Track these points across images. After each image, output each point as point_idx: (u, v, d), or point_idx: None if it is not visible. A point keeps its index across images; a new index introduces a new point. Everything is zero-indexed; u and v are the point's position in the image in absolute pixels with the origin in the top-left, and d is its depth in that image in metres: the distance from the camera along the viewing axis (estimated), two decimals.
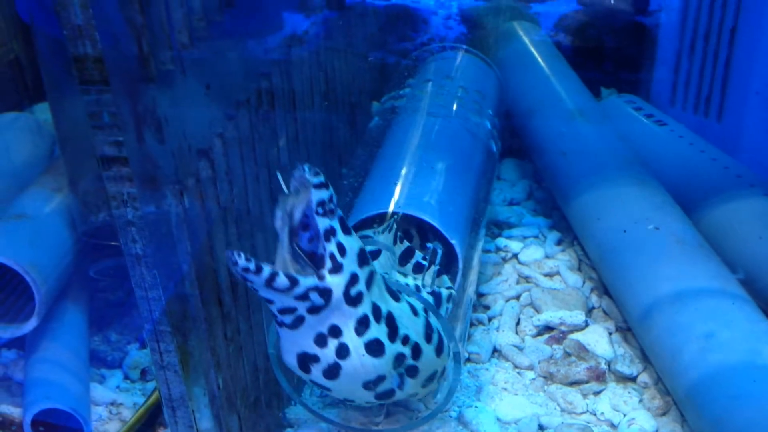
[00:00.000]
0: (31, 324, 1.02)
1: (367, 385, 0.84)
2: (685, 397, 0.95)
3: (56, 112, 1.14)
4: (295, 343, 0.81)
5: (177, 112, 0.70)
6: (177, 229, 0.71)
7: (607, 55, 1.85)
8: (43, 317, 1.03)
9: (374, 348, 0.81)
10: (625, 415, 1.01)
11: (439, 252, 1.02)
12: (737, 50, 1.47)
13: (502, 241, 1.37)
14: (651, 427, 0.98)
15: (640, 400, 1.03)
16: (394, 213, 1.03)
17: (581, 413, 1.02)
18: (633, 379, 1.07)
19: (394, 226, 1.01)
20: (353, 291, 0.78)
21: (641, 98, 1.64)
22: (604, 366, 1.08)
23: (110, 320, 1.19)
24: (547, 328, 1.16)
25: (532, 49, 1.69)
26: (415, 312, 0.88)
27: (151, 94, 0.66)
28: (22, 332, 1.02)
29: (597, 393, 1.05)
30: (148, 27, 0.64)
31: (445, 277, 1.02)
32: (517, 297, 1.24)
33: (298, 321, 0.78)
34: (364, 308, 0.80)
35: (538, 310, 1.20)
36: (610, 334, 1.14)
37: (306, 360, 0.81)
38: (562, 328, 1.15)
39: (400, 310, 0.85)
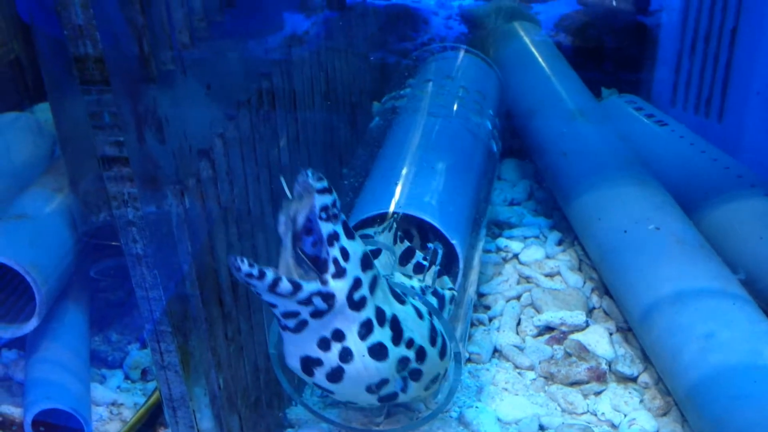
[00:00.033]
0: (32, 324, 1.02)
1: (370, 389, 0.84)
2: (686, 397, 0.95)
3: (57, 112, 1.14)
4: (298, 346, 0.81)
5: (178, 112, 0.70)
6: (178, 229, 0.71)
7: (607, 55, 1.85)
8: (43, 317, 1.03)
9: (377, 352, 0.81)
10: (625, 416, 1.01)
11: (440, 252, 1.02)
12: (738, 51, 1.47)
13: (502, 242, 1.37)
14: (652, 428, 0.98)
15: (641, 401, 1.03)
16: (394, 213, 1.03)
17: (582, 413, 1.02)
18: (634, 379, 1.07)
19: (394, 225, 1.01)
20: (356, 295, 0.78)
21: (642, 98, 1.64)
22: (604, 366, 1.08)
23: (111, 320, 1.19)
24: (548, 328, 1.16)
25: (533, 49, 1.69)
26: (420, 315, 0.88)
27: (151, 94, 0.66)
28: (22, 332, 1.02)
29: (598, 393, 1.05)
30: (148, 27, 0.64)
31: (446, 278, 1.02)
32: (518, 297, 1.24)
33: (302, 325, 0.79)
34: (368, 312, 0.80)
35: (538, 311, 1.20)
36: (611, 334, 1.14)
37: (309, 364, 0.81)
38: (563, 328, 1.15)
39: (405, 313, 0.85)
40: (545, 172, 1.47)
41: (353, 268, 0.78)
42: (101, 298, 1.23)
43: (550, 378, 1.08)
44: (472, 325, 1.17)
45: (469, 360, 1.11)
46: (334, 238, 0.76)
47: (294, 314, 0.77)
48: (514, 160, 1.65)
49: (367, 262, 0.80)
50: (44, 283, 1.01)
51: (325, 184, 0.76)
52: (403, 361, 0.84)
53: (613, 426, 1.00)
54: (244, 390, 0.89)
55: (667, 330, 1.01)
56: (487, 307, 1.22)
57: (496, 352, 1.13)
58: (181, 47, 0.72)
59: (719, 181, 1.30)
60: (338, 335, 0.80)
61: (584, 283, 1.26)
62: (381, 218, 1.02)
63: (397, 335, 0.83)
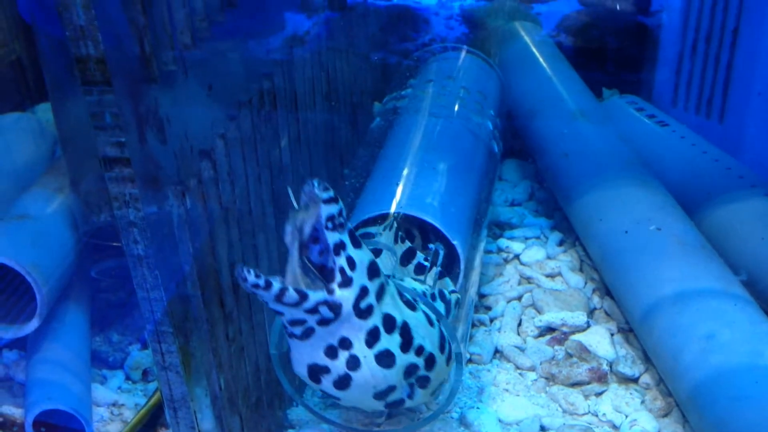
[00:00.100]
0: (33, 325, 1.02)
1: (378, 395, 0.85)
2: (687, 398, 0.95)
3: (58, 113, 1.14)
4: (305, 354, 0.81)
5: (179, 112, 0.70)
6: (179, 230, 0.71)
7: (608, 56, 1.84)
8: (44, 318, 1.03)
9: (385, 359, 0.82)
10: (626, 417, 1.00)
11: (441, 253, 1.02)
12: (739, 51, 1.47)
13: (503, 242, 1.37)
14: (653, 429, 0.98)
15: (642, 401, 1.03)
16: (395, 213, 1.03)
17: (583, 414, 1.02)
18: (635, 380, 1.07)
19: (395, 225, 1.01)
20: (363, 304, 0.79)
21: (643, 99, 1.64)
22: (605, 367, 1.08)
23: (112, 321, 1.19)
24: (549, 329, 1.16)
25: (534, 50, 1.69)
26: (431, 322, 0.88)
27: (153, 94, 0.66)
28: (23, 333, 1.02)
29: (599, 394, 1.05)
30: (150, 27, 0.64)
31: (447, 280, 1.02)
32: (519, 298, 1.24)
33: (308, 333, 0.79)
34: (375, 320, 0.80)
35: (539, 311, 1.20)
36: (612, 335, 1.14)
37: (316, 371, 0.82)
38: (564, 329, 1.15)
39: (416, 320, 0.86)
40: (546, 172, 1.47)
41: (360, 277, 0.78)
42: (102, 298, 1.23)
43: (551, 379, 1.08)
44: (473, 325, 1.17)
45: (470, 361, 1.11)
46: (340, 247, 0.77)
47: (301, 322, 0.78)
48: (515, 160, 1.65)
49: (374, 271, 0.80)
50: (45, 284, 1.01)
51: (331, 193, 0.76)
52: (411, 368, 0.85)
53: (615, 427, 1.00)
54: (245, 390, 0.89)
55: (668, 331, 1.01)
56: (488, 308, 1.22)
57: (497, 352, 1.13)
58: (182, 48, 0.72)
59: (720, 181, 1.30)
60: (345, 343, 0.80)
61: (585, 283, 1.26)
62: (382, 218, 1.02)
63: (407, 342, 0.83)
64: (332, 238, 0.76)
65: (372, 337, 0.80)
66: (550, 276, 1.29)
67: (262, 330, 0.93)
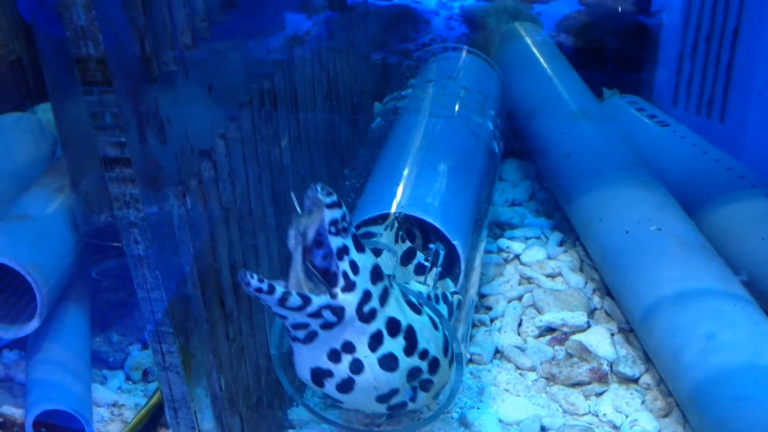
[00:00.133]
0: (33, 325, 1.02)
1: (380, 399, 0.85)
2: (687, 398, 0.95)
3: (58, 113, 1.14)
4: (308, 357, 0.81)
5: (179, 112, 0.70)
6: (179, 230, 0.71)
7: (609, 56, 1.84)
8: (44, 318, 1.03)
9: (388, 363, 0.82)
10: (627, 417, 1.00)
11: (441, 253, 1.02)
12: (739, 51, 1.47)
13: (504, 242, 1.37)
14: (653, 429, 0.98)
15: (643, 402, 1.03)
16: (395, 212, 1.03)
17: (583, 414, 1.02)
18: (635, 380, 1.06)
19: (395, 224, 1.01)
20: (366, 308, 0.79)
21: (643, 99, 1.64)
22: (606, 367, 1.07)
23: (112, 321, 1.19)
24: (549, 329, 1.16)
25: (534, 50, 1.69)
26: (435, 326, 0.88)
27: (153, 94, 0.66)
28: (23, 333, 1.02)
29: (599, 394, 1.05)
30: (150, 28, 0.64)
31: (448, 281, 1.02)
32: (519, 298, 1.24)
33: (312, 336, 0.79)
34: (378, 324, 0.80)
35: (540, 311, 1.20)
36: (612, 335, 1.14)
37: (319, 375, 0.82)
38: (564, 329, 1.15)
39: (421, 323, 0.86)
40: (547, 172, 1.47)
41: (363, 281, 0.78)
42: (102, 298, 1.23)
43: (551, 379, 1.08)
44: (474, 325, 1.17)
45: (470, 361, 1.11)
46: (343, 252, 0.77)
47: (304, 326, 0.78)
48: (515, 160, 1.65)
49: (377, 275, 0.80)
50: (45, 284, 1.01)
51: (334, 198, 0.76)
52: (415, 372, 0.85)
53: (615, 427, 1.00)
54: (246, 391, 0.89)
55: (669, 331, 1.01)
56: (489, 308, 1.22)
57: (498, 353, 1.13)
58: (182, 48, 0.72)
59: (721, 181, 1.29)
60: (348, 347, 0.80)
61: (586, 283, 1.26)
62: (383, 218, 1.02)
63: (411, 346, 0.84)
64: (335, 242, 0.76)
65: (375, 341, 0.80)
66: (551, 276, 1.29)
67: (263, 330, 0.93)
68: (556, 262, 1.31)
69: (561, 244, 1.37)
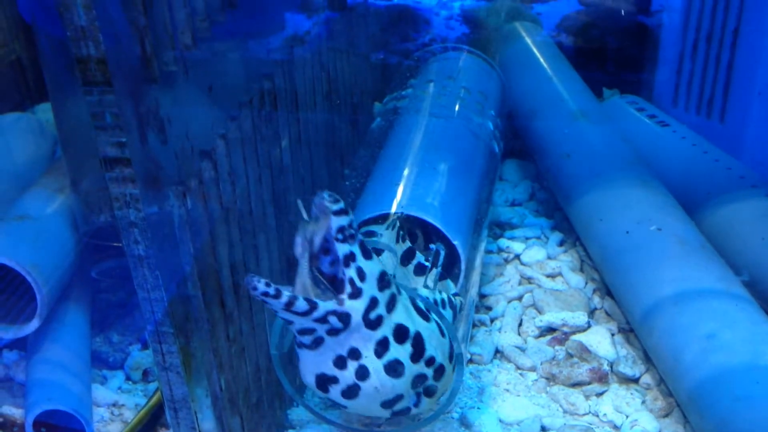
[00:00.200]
0: (33, 325, 1.02)
1: (385, 404, 0.85)
2: (688, 398, 0.95)
3: (58, 113, 1.14)
4: (314, 363, 0.82)
5: (180, 112, 0.70)
6: (179, 230, 0.71)
7: (609, 56, 1.84)
8: (44, 318, 1.03)
9: (394, 369, 0.82)
10: (627, 417, 1.00)
11: (442, 253, 1.02)
12: (740, 51, 1.47)
13: (504, 242, 1.37)
14: (654, 429, 0.98)
15: (643, 402, 1.03)
16: (396, 212, 1.03)
17: (584, 414, 1.02)
18: (635, 380, 1.06)
19: (397, 224, 1.01)
20: (373, 315, 0.79)
21: (644, 99, 1.64)
22: (606, 367, 1.07)
23: (112, 321, 1.19)
24: (550, 329, 1.16)
25: (534, 50, 1.69)
26: (443, 332, 0.88)
27: (153, 95, 0.66)
28: (23, 333, 1.02)
29: (599, 394, 1.05)
30: (151, 28, 0.64)
31: (448, 282, 1.02)
32: (520, 298, 1.24)
33: (318, 342, 0.79)
34: (384, 331, 0.81)
35: (540, 311, 1.20)
36: (613, 335, 1.14)
37: (325, 381, 0.82)
38: (565, 329, 1.15)
39: (429, 330, 0.86)
40: (547, 172, 1.47)
41: (369, 288, 0.78)
42: (102, 298, 1.23)
43: (551, 379, 1.08)
44: (474, 326, 1.17)
45: (470, 361, 1.11)
46: (350, 258, 0.77)
47: (310, 331, 0.78)
48: (515, 160, 1.65)
49: (384, 282, 0.80)
50: (45, 284, 1.01)
51: (341, 205, 0.76)
52: (420, 378, 0.85)
53: (615, 427, 1.00)
54: (246, 391, 0.89)
55: (669, 331, 1.01)
56: (489, 308, 1.22)
57: (498, 353, 1.13)
58: (183, 48, 0.72)
59: (721, 181, 1.29)
60: (354, 353, 0.80)
61: (586, 283, 1.26)
62: (383, 218, 1.02)
63: (418, 353, 0.84)
64: (342, 249, 0.76)
65: (381, 348, 0.81)
66: (551, 276, 1.29)
67: (263, 330, 0.93)
68: (557, 262, 1.31)
69: (561, 244, 1.37)
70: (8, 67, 1.70)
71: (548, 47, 1.72)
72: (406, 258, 1.02)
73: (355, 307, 0.77)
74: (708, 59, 1.54)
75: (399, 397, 0.85)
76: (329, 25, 1.28)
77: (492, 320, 1.20)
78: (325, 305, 0.76)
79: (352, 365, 0.81)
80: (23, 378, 1.07)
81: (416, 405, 0.88)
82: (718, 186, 1.28)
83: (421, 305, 0.87)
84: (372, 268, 0.79)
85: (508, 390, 1.06)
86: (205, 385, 0.79)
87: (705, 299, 1.01)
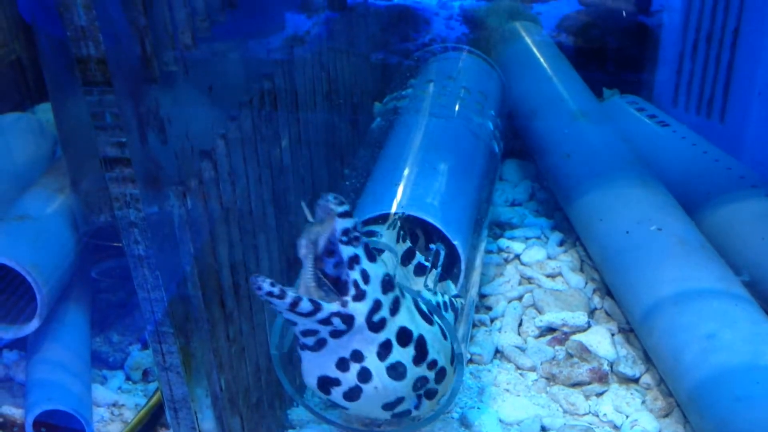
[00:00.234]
0: (33, 325, 1.02)
1: (386, 407, 0.85)
2: (688, 398, 0.95)
3: (58, 113, 1.14)
4: (316, 365, 0.82)
5: (180, 112, 0.70)
6: (180, 230, 0.71)
7: (609, 56, 1.84)
8: (44, 318, 1.03)
9: (396, 372, 0.82)
10: (627, 417, 1.00)
11: (442, 254, 1.02)
12: (740, 51, 1.47)
13: (504, 242, 1.37)
14: (654, 429, 0.98)
15: (643, 402, 1.03)
16: (397, 212, 1.03)
17: (584, 414, 1.02)
18: (635, 380, 1.06)
19: (398, 224, 1.01)
20: (376, 317, 0.79)
21: (644, 99, 1.64)
22: (606, 367, 1.07)
23: (112, 321, 1.19)
24: (550, 329, 1.16)
25: (534, 50, 1.69)
26: (445, 336, 0.88)
27: (153, 95, 0.66)
28: (23, 333, 1.02)
29: (599, 394, 1.05)
30: (151, 28, 0.64)
31: (449, 283, 1.02)
32: (520, 298, 1.24)
33: (320, 343, 0.80)
34: (387, 333, 0.81)
35: (540, 311, 1.20)
36: (613, 335, 1.14)
37: (327, 383, 0.82)
38: (565, 329, 1.15)
39: (432, 333, 0.86)
40: (547, 172, 1.47)
41: (373, 291, 0.79)
42: (102, 298, 1.23)
43: (551, 379, 1.08)
44: (474, 326, 1.17)
45: (470, 361, 1.11)
46: (354, 261, 0.77)
47: (313, 332, 0.79)
48: (515, 160, 1.65)
49: (388, 284, 0.80)
50: (45, 284, 1.01)
51: (346, 207, 0.77)
52: (421, 381, 0.86)
53: (615, 427, 1.00)
54: (246, 391, 0.89)
55: (669, 331, 1.01)
56: (489, 308, 1.22)
57: (498, 353, 1.13)
58: (183, 48, 0.72)
59: (721, 181, 1.29)
60: (357, 356, 0.81)
61: (586, 283, 1.26)
62: (383, 218, 1.02)
63: (421, 356, 0.84)
64: (347, 251, 0.77)
65: (384, 350, 0.81)
66: (551, 276, 1.29)
67: (263, 330, 0.93)
68: (556, 262, 1.31)
69: (561, 244, 1.37)
70: (8, 67, 1.70)
71: (548, 47, 1.72)
72: (407, 258, 1.02)
73: (359, 310, 0.78)
74: (708, 59, 1.54)
75: (400, 400, 0.85)
76: (329, 25, 1.28)
77: (492, 320, 1.20)
78: (329, 307, 0.76)
79: (354, 367, 0.81)
80: (23, 378, 1.07)
81: (417, 407, 0.89)
82: (718, 186, 1.28)
83: (424, 308, 0.87)
84: (376, 270, 0.79)
85: (508, 390, 1.06)
86: (205, 385, 0.79)
87: (705, 299, 1.01)
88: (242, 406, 0.88)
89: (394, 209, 1.03)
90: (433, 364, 0.86)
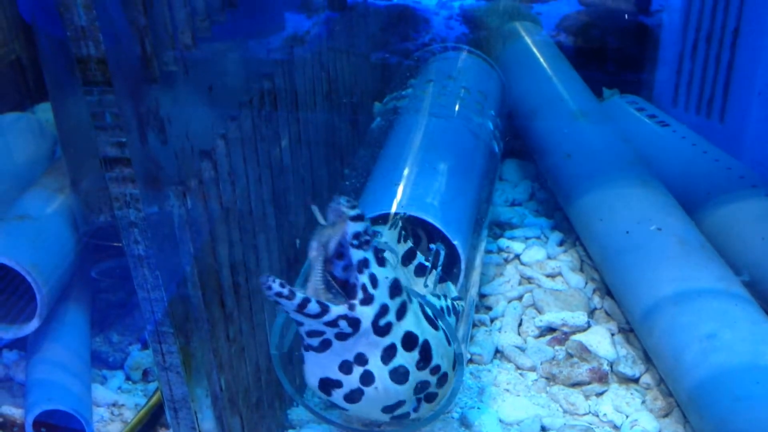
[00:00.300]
0: (33, 325, 1.02)
1: (386, 409, 0.86)
2: (688, 398, 0.95)
3: (58, 113, 1.14)
4: (319, 366, 0.82)
5: (180, 112, 0.70)
6: (179, 230, 0.71)
7: (609, 56, 1.84)
8: (44, 318, 1.03)
9: (399, 376, 0.82)
10: (627, 417, 1.00)
11: (442, 254, 1.02)
12: (740, 51, 1.47)
13: (504, 242, 1.37)
14: (653, 429, 0.98)
15: (643, 402, 1.03)
16: (399, 212, 1.03)
17: (584, 414, 1.02)
18: (635, 380, 1.06)
19: (399, 224, 1.01)
20: (382, 321, 0.79)
21: (643, 99, 1.64)
22: (606, 367, 1.07)
23: (112, 321, 1.19)
24: (550, 329, 1.16)
25: (534, 50, 1.69)
26: (449, 341, 0.89)
27: (153, 94, 0.66)
28: (23, 333, 1.02)
29: (599, 394, 1.05)
30: (151, 28, 0.64)
31: (449, 284, 1.02)
32: (520, 298, 1.24)
33: (325, 345, 0.80)
34: (392, 338, 0.81)
35: (540, 311, 1.20)
36: (613, 335, 1.14)
37: (329, 385, 0.83)
38: (565, 329, 1.15)
39: (437, 338, 0.86)
40: (547, 172, 1.47)
41: (381, 295, 0.79)
42: (102, 298, 1.23)
43: (551, 379, 1.08)
44: (474, 325, 1.17)
45: (470, 361, 1.11)
46: (363, 265, 0.78)
47: (319, 333, 0.79)
48: (515, 160, 1.65)
49: (396, 289, 0.81)
50: (45, 284, 1.01)
51: (358, 211, 0.77)
52: (423, 385, 0.86)
53: (615, 427, 1.00)
54: (246, 391, 0.89)
55: (669, 330, 1.01)
56: (489, 308, 1.22)
57: (498, 352, 1.13)
58: (183, 48, 0.72)
59: (721, 181, 1.29)
60: (361, 359, 0.81)
61: (586, 283, 1.26)
62: (383, 218, 1.02)
63: (425, 361, 0.84)
64: (357, 255, 0.77)
65: (388, 354, 0.81)
66: (551, 276, 1.29)
67: (263, 330, 0.93)
68: (556, 262, 1.31)
69: (561, 244, 1.37)
70: (8, 67, 1.70)
71: (548, 47, 1.72)
72: (407, 258, 1.02)
73: (366, 313, 0.78)
74: (708, 59, 1.54)
75: (400, 403, 0.85)
76: (329, 25, 1.27)
77: (492, 320, 1.20)
78: (336, 309, 0.76)
79: (357, 370, 0.81)
80: (23, 378, 1.07)
81: (415, 410, 0.89)
82: (718, 186, 1.28)
83: (430, 312, 0.87)
84: (385, 275, 0.80)
85: (508, 390, 1.06)
86: (205, 385, 0.79)
87: (705, 299, 1.01)
88: (242, 406, 0.88)
89: (394, 209, 1.03)
90: (436, 369, 0.86)
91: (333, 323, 0.77)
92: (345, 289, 0.79)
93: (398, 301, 0.81)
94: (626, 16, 1.84)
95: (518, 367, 1.10)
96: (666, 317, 1.02)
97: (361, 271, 0.78)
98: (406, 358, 0.82)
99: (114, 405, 1.05)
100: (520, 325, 1.18)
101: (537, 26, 1.85)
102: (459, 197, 1.12)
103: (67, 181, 1.15)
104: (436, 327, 0.87)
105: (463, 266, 1.04)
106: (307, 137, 1.11)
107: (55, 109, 1.15)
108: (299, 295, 0.74)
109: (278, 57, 1.02)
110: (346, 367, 0.81)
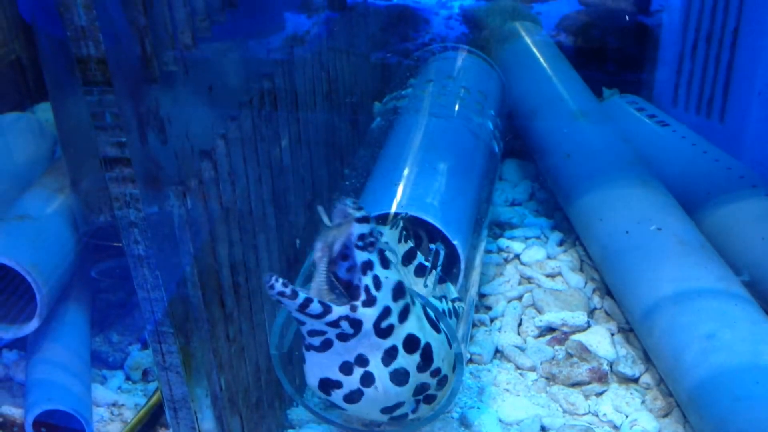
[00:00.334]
0: (33, 325, 1.02)
1: (385, 410, 0.86)
2: (688, 398, 0.95)
3: (58, 113, 1.14)
4: (320, 366, 0.82)
5: (180, 112, 0.70)
6: (179, 230, 0.71)
7: (609, 56, 1.84)
8: (44, 318, 1.03)
9: (399, 377, 0.83)
10: (627, 417, 1.00)
11: (442, 254, 1.02)
12: (740, 51, 1.47)
13: (503, 242, 1.37)
14: (653, 429, 0.98)
15: (643, 402, 1.03)
16: (399, 212, 1.03)
17: (583, 414, 1.02)
18: (635, 380, 1.06)
19: (400, 224, 1.01)
20: (384, 324, 0.79)
21: (643, 99, 1.64)
22: (606, 367, 1.07)
23: (112, 321, 1.19)
24: (549, 329, 1.16)
25: (534, 50, 1.69)
26: (450, 344, 0.89)
27: (153, 94, 0.66)
28: (23, 333, 1.02)
29: (599, 394, 1.05)
30: (151, 28, 0.64)
31: (449, 285, 1.02)
32: (519, 298, 1.24)
33: (326, 344, 0.80)
34: (394, 340, 0.81)
35: (540, 311, 1.20)
36: (612, 335, 1.14)
37: (328, 385, 0.83)
38: (564, 329, 1.15)
39: (438, 341, 0.86)
40: (547, 172, 1.47)
41: (384, 297, 0.79)
42: (102, 298, 1.23)
43: (551, 379, 1.08)
44: (474, 325, 1.17)
45: (470, 361, 1.11)
46: (368, 266, 0.78)
47: (321, 333, 0.79)
48: (515, 160, 1.65)
49: (399, 292, 0.81)
50: (45, 284, 1.01)
51: (364, 213, 0.77)
52: (423, 387, 0.86)
53: (615, 427, 1.00)
54: (246, 391, 0.89)
55: (669, 330, 1.01)
56: (489, 308, 1.22)
57: (498, 352, 1.13)
58: (183, 48, 0.72)
59: (721, 181, 1.30)
60: (361, 360, 0.81)
61: (586, 283, 1.26)
62: (383, 218, 1.02)
63: (426, 364, 0.84)
64: (361, 256, 0.78)
65: (389, 356, 0.81)
66: (551, 276, 1.29)
67: (263, 330, 0.93)
68: (556, 262, 1.31)
69: (561, 243, 1.37)
70: (8, 67, 1.70)
71: (548, 47, 1.72)
72: (407, 258, 1.02)
73: (368, 315, 0.78)
74: (708, 59, 1.54)
75: (399, 404, 0.86)
76: (329, 25, 1.27)
77: (492, 320, 1.20)
78: (338, 310, 0.77)
79: (357, 371, 0.81)
80: (23, 378, 1.07)
81: (414, 411, 0.89)
82: (718, 186, 1.28)
83: (432, 314, 0.88)
84: (389, 277, 0.80)
85: (507, 390, 1.06)
86: (205, 385, 0.79)
87: (705, 299, 1.01)
88: (242, 406, 0.88)
89: (394, 209, 1.03)
90: (436, 372, 0.86)
91: (335, 324, 0.77)
92: (348, 290, 0.79)
93: (401, 303, 0.81)
94: (626, 16, 1.84)
95: (518, 367, 1.10)
96: (666, 317, 1.02)
97: (364, 273, 0.78)
98: (407, 361, 0.82)
99: (114, 405, 1.05)
100: (519, 324, 1.18)
101: (537, 26, 1.85)
102: (459, 197, 1.12)
103: (67, 181, 1.15)
104: (438, 329, 0.87)
105: (462, 266, 1.04)
106: (307, 137, 1.11)
107: (55, 109, 1.15)
108: (302, 295, 0.74)
109: (278, 57, 1.02)
110: (346, 368, 0.81)
